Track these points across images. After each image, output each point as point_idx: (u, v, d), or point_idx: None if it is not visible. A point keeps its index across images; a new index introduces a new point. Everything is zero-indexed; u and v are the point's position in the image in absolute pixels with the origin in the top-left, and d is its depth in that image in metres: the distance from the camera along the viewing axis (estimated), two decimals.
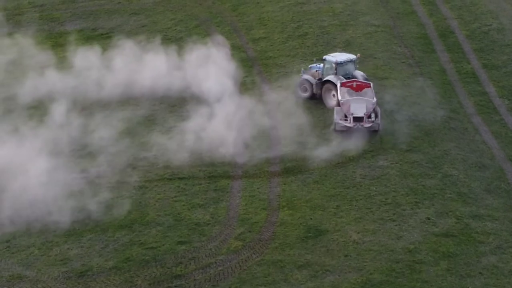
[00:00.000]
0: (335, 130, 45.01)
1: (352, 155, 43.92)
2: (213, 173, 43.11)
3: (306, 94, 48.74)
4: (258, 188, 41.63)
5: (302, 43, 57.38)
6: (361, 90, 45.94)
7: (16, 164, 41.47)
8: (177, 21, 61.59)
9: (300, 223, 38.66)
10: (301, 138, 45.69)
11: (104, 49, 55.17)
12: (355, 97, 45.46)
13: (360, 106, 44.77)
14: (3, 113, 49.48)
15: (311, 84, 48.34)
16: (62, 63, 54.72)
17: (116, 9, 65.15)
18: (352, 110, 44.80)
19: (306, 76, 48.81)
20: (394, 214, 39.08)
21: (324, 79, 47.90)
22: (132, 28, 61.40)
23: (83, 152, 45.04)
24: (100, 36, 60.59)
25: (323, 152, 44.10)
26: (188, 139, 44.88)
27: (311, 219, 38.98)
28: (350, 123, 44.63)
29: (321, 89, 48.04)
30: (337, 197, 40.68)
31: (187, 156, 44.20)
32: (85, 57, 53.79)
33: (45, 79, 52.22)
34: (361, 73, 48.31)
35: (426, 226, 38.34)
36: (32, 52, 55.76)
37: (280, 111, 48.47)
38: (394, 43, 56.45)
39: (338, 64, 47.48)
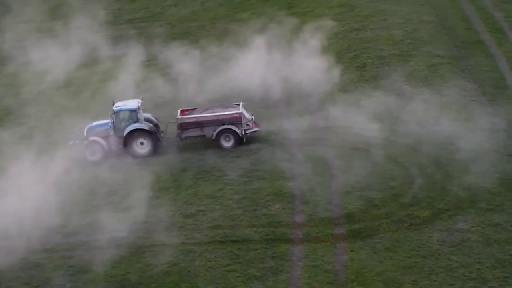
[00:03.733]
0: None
1: (426, 215, 38.83)
2: (270, 235, 38.23)
3: (97, 157, 44.94)
4: (322, 256, 36.66)
5: (361, 76, 52.31)
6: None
7: None
8: None
9: None
10: (366, 192, 40.66)
11: None
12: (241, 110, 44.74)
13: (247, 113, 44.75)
14: None
15: (102, 145, 45.05)
16: None
17: None
18: (247, 116, 44.62)
19: (95, 138, 44.89)
20: None
21: (130, 129, 44.64)
22: None
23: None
24: None
25: (392, 210, 39.09)
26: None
27: None
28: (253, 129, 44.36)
29: (124, 142, 44.84)
30: (413, 269, 35.61)
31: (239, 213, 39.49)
32: None
33: None
34: (148, 114, 46.25)
35: None
36: None
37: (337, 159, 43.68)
38: (462, 77, 51.18)
39: (137, 111, 44.89)
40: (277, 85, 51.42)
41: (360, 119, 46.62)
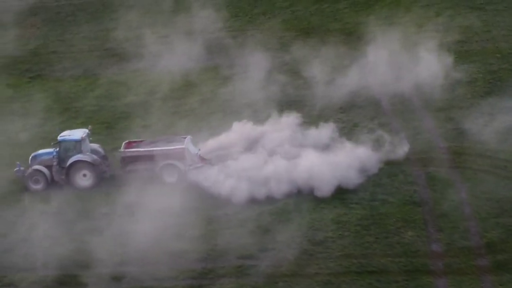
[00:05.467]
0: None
1: None
2: (408, 266, 36.12)
3: (39, 186, 43.56)
4: None
5: (474, 92, 50.04)
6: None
7: None
8: None
9: None
10: (504, 218, 38.45)
11: None
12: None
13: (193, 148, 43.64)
14: None
15: (45, 174, 43.67)
16: None
17: None
18: (191, 150, 43.35)
19: (38, 167, 43.56)
20: None
21: (73, 160, 43.32)
22: None
23: None
24: None
25: None
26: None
27: None
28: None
29: (67, 173, 43.50)
30: None
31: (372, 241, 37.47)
32: None
33: None
34: (96, 145, 45.00)
35: None
36: None
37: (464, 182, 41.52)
38: None
39: (82, 141, 43.75)
40: (387, 99, 49.57)
41: (483, 138, 44.35)
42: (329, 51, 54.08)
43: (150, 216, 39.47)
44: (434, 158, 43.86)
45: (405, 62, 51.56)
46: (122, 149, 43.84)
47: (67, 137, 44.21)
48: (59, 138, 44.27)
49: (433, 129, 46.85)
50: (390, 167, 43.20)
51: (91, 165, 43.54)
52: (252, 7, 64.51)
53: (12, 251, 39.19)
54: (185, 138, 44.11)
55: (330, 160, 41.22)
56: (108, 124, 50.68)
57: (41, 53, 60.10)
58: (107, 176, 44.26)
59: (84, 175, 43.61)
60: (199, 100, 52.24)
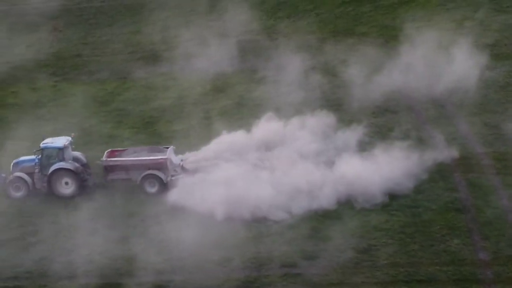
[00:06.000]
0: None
1: None
2: (457, 275, 35.64)
3: (20, 193, 43.26)
4: None
5: (508, 96, 49.63)
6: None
7: None
8: None
9: None
10: None
11: None
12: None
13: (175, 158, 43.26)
14: None
15: (26, 181, 43.36)
16: None
17: None
18: (173, 160, 42.82)
19: (19, 174, 43.28)
20: None
21: (55, 168, 42.99)
22: None
23: None
24: None
25: None
26: None
27: None
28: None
29: (48, 181, 43.11)
30: None
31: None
32: None
33: None
34: (78, 153, 44.57)
35: None
36: None
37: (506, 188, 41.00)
38: None
39: (64, 149, 43.40)
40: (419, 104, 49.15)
41: None
42: (357, 55, 53.66)
43: (191, 223, 38.90)
44: (473, 164, 43.40)
45: (435, 66, 51.08)
46: (104, 158, 43.61)
47: (49, 144, 43.80)
48: (41, 145, 43.92)
49: (469, 134, 46.34)
50: (429, 172, 42.61)
51: (73, 173, 43.18)
52: (276, 10, 63.90)
53: (51, 258, 38.55)
54: (167, 148, 43.93)
55: (375, 166, 40.61)
56: (137, 129, 50.13)
57: (65, 56, 59.47)
58: (89, 185, 43.90)
59: (66, 183, 43.28)
60: (228, 104, 51.67)
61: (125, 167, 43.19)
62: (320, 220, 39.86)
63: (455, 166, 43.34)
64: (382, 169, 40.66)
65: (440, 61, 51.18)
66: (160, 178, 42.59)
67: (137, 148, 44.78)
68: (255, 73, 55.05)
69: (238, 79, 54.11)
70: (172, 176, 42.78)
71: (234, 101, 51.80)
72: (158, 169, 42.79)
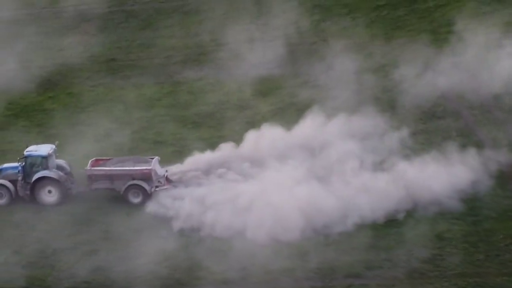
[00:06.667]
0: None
1: None
2: None
3: (3, 201, 43.16)
4: None
5: None
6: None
7: None
8: None
9: None
10: None
11: None
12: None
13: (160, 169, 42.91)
14: None
15: (9, 189, 43.04)
16: None
17: None
18: (158, 171, 42.56)
19: (2, 181, 43.25)
20: None
21: (38, 176, 42.66)
22: None
23: None
24: None
25: None
26: None
27: None
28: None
29: (31, 189, 42.86)
30: None
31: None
32: None
33: None
34: (62, 161, 44.23)
35: None
36: None
37: None
38: None
39: (48, 157, 43.06)
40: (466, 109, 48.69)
41: None
42: (397, 59, 53.09)
43: None
44: None
45: (479, 70, 50.45)
46: (88, 167, 43.25)
47: (33, 152, 43.50)
48: (25, 152, 43.53)
49: None
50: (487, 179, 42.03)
51: (56, 181, 42.84)
52: (311, 13, 63.19)
53: (107, 268, 37.83)
54: (152, 159, 43.49)
55: (445, 171, 39.93)
56: (180, 134, 49.31)
57: (100, 61, 58.74)
58: (73, 193, 43.50)
59: (49, 192, 43.01)
60: (271, 110, 51.01)
61: (109, 177, 42.94)
62: (379, 228, 39.11)
63: (509, 173, 42.65)
64: (444, 174, 39.92)
65: (483, 66, 50.50)
66: (144, 189, 42.25)
67: (122, 158, 44.45)
68: (293, 78, 54.52)
69: (280, 82, 53.37)
70: (157, 187, 42.46)
71: (277, 106, 51.03)
72: (143, 180, 42.42)
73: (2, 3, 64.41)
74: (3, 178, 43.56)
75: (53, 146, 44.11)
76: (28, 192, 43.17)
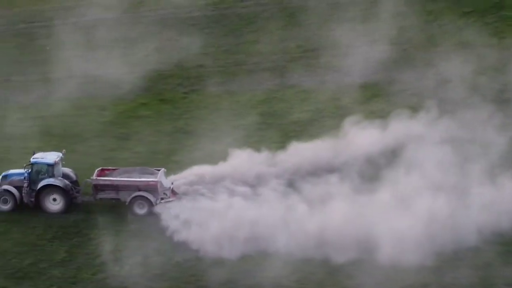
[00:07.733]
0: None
1: None
2: None
3: (8, 207, 43.19)
4: None
5: None
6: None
7: None
8: None
9: None
10: None
11: None
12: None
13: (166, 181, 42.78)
14: None
15: (14, 195, 43.24)
16: None
17: None
18: (165, 184, 42.55)
19: (7, 187, 43.36)
20: None
21: (43, 184, 42.87)
22: None
23: None
24: None
25: None
26: None
27: None
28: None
29: (36, 196, 43.03)
30: None
31: None
32: None
33: None
34: (68, 170, 44.34)
35: None
36: None
37: None
38: None
39: (54, 165, 43.17)
40: None
41: None
42: (489, 70, 52.36)
43: None
44: None
45: None
46: (94, 177, 43.04)
47: (40, 160, 43.51)
48: (32, 159, 43.57)
49: None
50: None
51: (61, 190, 42.85)
52: (395, 20, 62.35)
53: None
54: (159, 170, 43.20)
55: None
56: (282, 143, 48.55)
57: (188, 67, 58.20)
58: (78, 202, 43.41)
59: (54, 200, 43.07)
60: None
61: (115, 187, 42.78)
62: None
63: None
64: None
65: None
66: (149, 200, 41.92)
67: (129, 168, 44.19)
68: (381, 87, 53.76)
69: (364, 93, 52.56)
70: (162, 199, 42.15)
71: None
72: (148, 191, 42.11)
73: (82, 9, 64.10)
74: (9, 184, 43.72)
75: (60, 154, 44.11)
76: (32, 199, 43.30)
